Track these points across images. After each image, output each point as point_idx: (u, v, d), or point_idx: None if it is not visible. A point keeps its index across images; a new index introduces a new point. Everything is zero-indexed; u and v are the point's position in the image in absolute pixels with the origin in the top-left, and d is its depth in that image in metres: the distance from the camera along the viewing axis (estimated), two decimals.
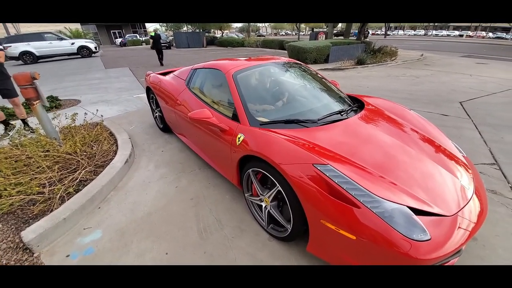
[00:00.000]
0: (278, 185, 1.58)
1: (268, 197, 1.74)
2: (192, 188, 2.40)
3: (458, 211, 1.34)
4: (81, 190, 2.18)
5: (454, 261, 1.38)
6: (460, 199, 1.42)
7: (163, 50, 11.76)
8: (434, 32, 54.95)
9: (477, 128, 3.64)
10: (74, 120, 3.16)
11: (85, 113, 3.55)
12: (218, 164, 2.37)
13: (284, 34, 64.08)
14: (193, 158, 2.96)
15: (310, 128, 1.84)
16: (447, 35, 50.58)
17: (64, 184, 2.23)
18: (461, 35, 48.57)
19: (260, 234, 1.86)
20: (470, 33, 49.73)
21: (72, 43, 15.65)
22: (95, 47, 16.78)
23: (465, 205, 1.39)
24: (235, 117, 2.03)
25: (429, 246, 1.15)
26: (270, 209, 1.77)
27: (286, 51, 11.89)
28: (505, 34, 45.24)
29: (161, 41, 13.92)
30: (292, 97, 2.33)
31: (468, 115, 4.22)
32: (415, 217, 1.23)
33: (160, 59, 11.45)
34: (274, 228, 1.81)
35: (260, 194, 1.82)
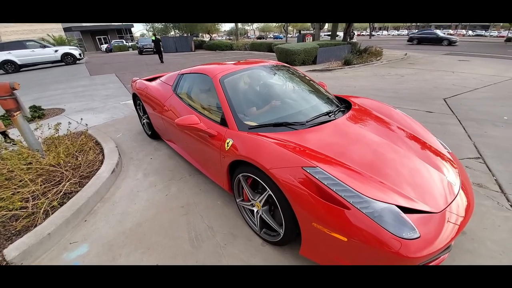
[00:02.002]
0: (268, 189, 1.56)
1: (259, 201, 1.72)
2: (182, 196, 2.36)
3: (446, 207, 1.37)
4: (66, 203, 2.10)
5: (445, 257, 1.40)
6: (447, 195, 1.45)
7: (160, 53, 14.60)
8: (417, 31, 56.57)
9: (461, 124, 3.75)
10: (58, 130, 3.06)
11: (69, 123, 3.44)
12: (208, 170, 2.33)
13: (272, 36, 64.53)
14: (183, 164, 2.91)
15: (299, 131, 1.84)
16: None
17: (48, 198, 2.14)
18: None
19: (253, 240, 1.83)
20: (451, 31, 51.38)
21: (56, 51, 15.23)
22: (80, 54, 16.39)
23: (452, 201, 1.42)
24: (223, 122, 2.00)
25: (419, 244, 1.16)
26: (262, 213, 1.75)
27: (274, 54, 11.98)
28: (484, 31, 47.08)
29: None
30: (280, 100, 2.32)
31: (452, 111, 4.35)
32: (404, 215, 1.23)
33: (160, 58, 14.45)
34: (266, 233, 1.79)
35: (251, 199, 1.80)
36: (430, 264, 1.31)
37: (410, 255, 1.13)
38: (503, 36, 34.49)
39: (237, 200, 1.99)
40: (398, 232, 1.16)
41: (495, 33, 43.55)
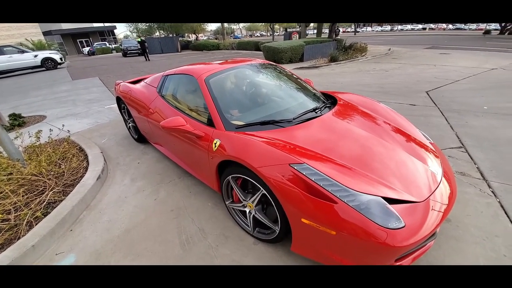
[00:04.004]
0: (261, 188, 1.55)
1: (252, 201, 1.71)
2: (172, 199, 2.32)
3: (430, 195, 1.40)
4: (50, 213, 2.03)
5: (431, 244, 1.44)
6: (431, 184, 1.49)
7: (145, 52, 17.00)
8: (399, 27, 57.98)
9: (443, 115, 3.87)
10: (39, 138, 2.95)
11: (50, 130, 3.31)
12: (197, 171, 2.31)
13: (259, 35, 64.61)
14: (171, 167, 2.86)
15: (286, 128, 1.84)
16: (412, 28, 53.51)
17: (31, 208, 2.06)
18: (424, 28, 51.52)
19: (245, 239, 1.83)
20: (432, 25, 52.85)
21: (35, 56, 14.69)
22: (61, 58, 15.89)
23: (435, 189, 1.46)
24: (210, 123, 1.98)
25: (404, 233, 1.19)
26: (255, 213, 1.73)
27: (262, 52, 11.99)
28: (463, 25, 48.59)
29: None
30: (267, 98, 2.32)
31: (434, 103, 4.47)
32: (389, 206, 1.26)
33: (146, 57, 16.89)
34: (260, 232, 1.78)
35: (243, 200, 1.78)
36: (417, 252, 1.35)
37: (396, 244, 1.15)
38: (481, 29, 35.77)
39: (227, 203, 1.97)
40: (384, 223, 1.19)
41: (473, 26, 45.03)
